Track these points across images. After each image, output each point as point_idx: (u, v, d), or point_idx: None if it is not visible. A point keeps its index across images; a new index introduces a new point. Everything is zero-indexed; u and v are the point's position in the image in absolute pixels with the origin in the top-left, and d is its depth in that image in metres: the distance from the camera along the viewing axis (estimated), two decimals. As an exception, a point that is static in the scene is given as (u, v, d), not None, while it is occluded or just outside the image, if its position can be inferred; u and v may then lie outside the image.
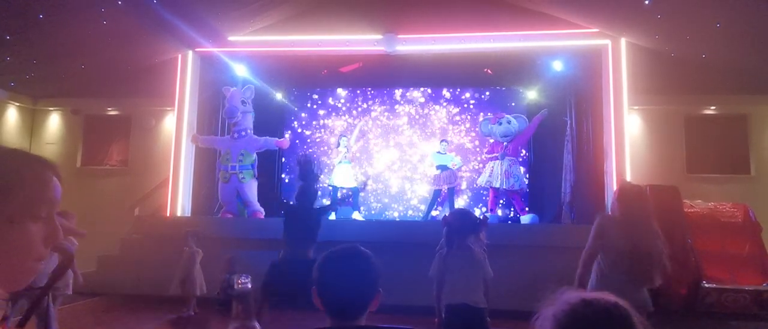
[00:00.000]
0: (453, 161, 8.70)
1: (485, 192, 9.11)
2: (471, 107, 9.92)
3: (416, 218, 9.34)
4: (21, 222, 0.81)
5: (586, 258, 3.01)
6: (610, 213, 3.12)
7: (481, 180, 8.64)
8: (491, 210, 8.48)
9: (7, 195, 0.79)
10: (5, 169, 0.81)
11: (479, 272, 3.04)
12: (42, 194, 0.83)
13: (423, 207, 9.33)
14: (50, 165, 0.86)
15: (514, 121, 8.58)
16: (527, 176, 9.26)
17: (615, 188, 7.66)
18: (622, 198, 3.04)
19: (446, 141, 8.88)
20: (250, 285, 2.81)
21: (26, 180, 0.82)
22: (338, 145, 8.84)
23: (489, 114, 9.05)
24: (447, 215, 3.29)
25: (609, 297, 0.93)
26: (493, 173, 8.36)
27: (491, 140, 8.85)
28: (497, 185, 8.29)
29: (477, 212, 8.19)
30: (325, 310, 1.38)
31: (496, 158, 8.44)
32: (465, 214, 3.21)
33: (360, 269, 1.39)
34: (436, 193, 8.66)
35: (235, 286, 2.82)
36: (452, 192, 8.64)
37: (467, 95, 9.95)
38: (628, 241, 2.85)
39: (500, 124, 8.57)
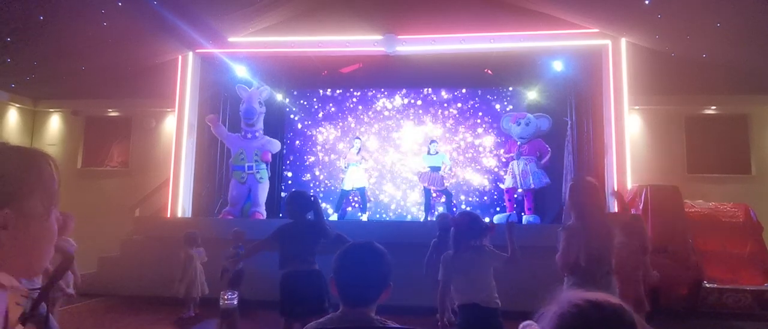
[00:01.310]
0: (443, 161, 8.61)
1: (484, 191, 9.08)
2: (471, 107, 9.92)
3: (415, 219, 9.33)
4: (50, 213, 0.90)
5: (563, 266, 2.97)
6: (569, 223, 3.07)
7: (508, 182, 8.43)
8: (508, 210, 8.40)
9: (42, 189, 0.88)
10: (36, 165, 0.89)
11: (487, 266, 3.03)
12: (56, 186, 0.91)
13: (422, 207, 9.35)
14: (54, 160, 0.94)
15: (533, 121, 8.41)
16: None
17: (616, 188, 7.70)
18: (573, 195, 3.02)
19: (436, 142, 8.76)
20: (235, 302, 2.79)
21: (48, 175, 0.90)
22: (352, 146, 8.81)
23: (511, 112, 8.96)
24: (455, 216, 3.28)
25: (612, 298, 0.93)
26: (514, 173, 8.29)
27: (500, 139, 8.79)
28: (513, 184, 8.24)
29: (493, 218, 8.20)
30: (340, 297, 1.50)
31: (513, 158, 8.39)
32: (473, 217, 3.19)
33: (374, 262, 1.53)
34: (427, 192, 8.61)
35: (221, 302, 2.79)
36: (447, 193, 8.58)
37: (467, 95, 9.95)
38: (589, 242, 2.83)
39: (518, 124, 8.48)
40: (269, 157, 8.33)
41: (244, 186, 8.10)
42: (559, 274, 3.07)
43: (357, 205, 9.06)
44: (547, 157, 8.31)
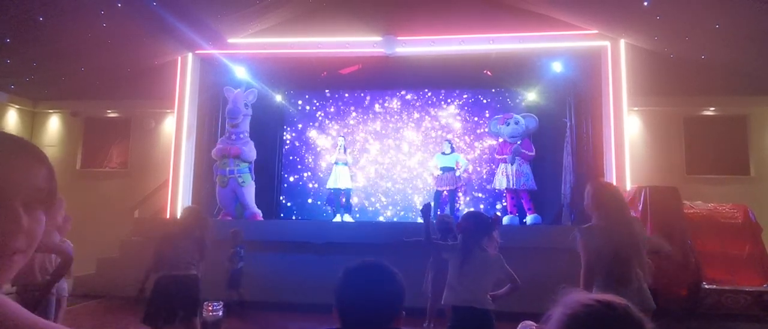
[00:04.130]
0: (458, 161, 8.60)
1: (485, 192, 9.05)
2: (470, 108, 9.93)
3: (415, 220, 9.34)
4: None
5: (588, 276, 2.82)
6: (587, 224, 3.02)
7: (498, 183, 8.47)
8: (511, 212, 8.41)
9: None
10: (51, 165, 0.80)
11: (491, 275, 3.02)
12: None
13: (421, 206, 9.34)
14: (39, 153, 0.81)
15: (522, 120, 8.49)
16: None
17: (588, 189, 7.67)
18: (598, 199, 2.98)
19: (450, 142, 8.74)
20: (221, 313, 2.77)
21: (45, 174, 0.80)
22: (336, 144, 8.88)
23: (499, 115, 9.02)
24: (459, 221, 3.24)
25: (619, 298, 0.93)
26: (507, 174, 8.30)
27: (500, 140, 8.75)
28: (511, 186, 8.25)
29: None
30: (343, 326, 1.32)
31: (506, 161, 8.40)
32: (477, 216, 3.15)
33: (384, 285, 1.33)
34: (437, 194, 8.63)
35: (205, 313, 2.76)
36: (454, 194, 8.56)
37: (466, 96, 9.96)
38: (612, 244, 2.79)
39: (507, 125, 8.52)
40: (238, 151, 8.15)
41: (227, 190, 8.06)
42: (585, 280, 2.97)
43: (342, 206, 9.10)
44: (530, 153, 8.36)
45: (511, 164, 8.29)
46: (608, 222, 2.84)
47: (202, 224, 4.12)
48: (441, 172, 8.52)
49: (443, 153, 8.59)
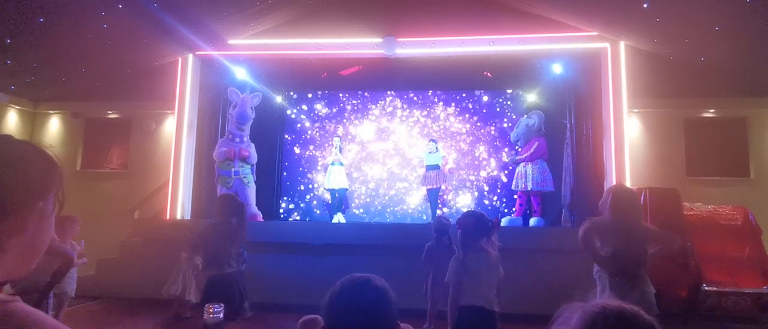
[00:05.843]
0: (443, 157, 8.68)
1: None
2: (470, 109, 9.93)
3: (415, 221, 9.34)
4: (56, 212, 0.86)
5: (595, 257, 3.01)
6: (598, 218, 3.09)
7: (513, 185, 8.70)
8: (515, 213, 8.51)
9: (58, 190, 0.85)
10: (55, 165, 0.86)
11: (494, 274, 3.02)
12: (62, 189, 0.87)
13: (418, 205, 9.35)
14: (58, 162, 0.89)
15: (522, 121, 8.65)
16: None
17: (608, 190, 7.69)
18: (616, 202, 3.03)
19: (434, 141, 8.74)
20: (222, 315, 2.78)
21: (61, 174, 0.87)
22: (333, 145, 8.92)
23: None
24: (460, 217, 3.22)
25: (631, 306, 0.95)
26: (516, 176, 8.50)
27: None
28: (519, 187, 8.34)
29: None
30: None
31: (513, 163, 8.66)
32: (478, 217, 3.14)
33: (375, 304, 1.29)
34: (431, 193, 8.62)
35: (206, 315, 2.76)
36: (436, 193, 8.51)
37: (466, 97, 9.97)
38: (622, 245, 2.84)
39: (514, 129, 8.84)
40: (246, 153, 8.25)
41: (230, 191, 8.08)
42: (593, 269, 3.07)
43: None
44: (534, 148, 8.36)
45: (516, 167, 8.48)
46: (619, 224, 2.92)
47: (239, 212, 3.97)
48: (426, 169, 8.55)
49: (430, 152, 8.59)
